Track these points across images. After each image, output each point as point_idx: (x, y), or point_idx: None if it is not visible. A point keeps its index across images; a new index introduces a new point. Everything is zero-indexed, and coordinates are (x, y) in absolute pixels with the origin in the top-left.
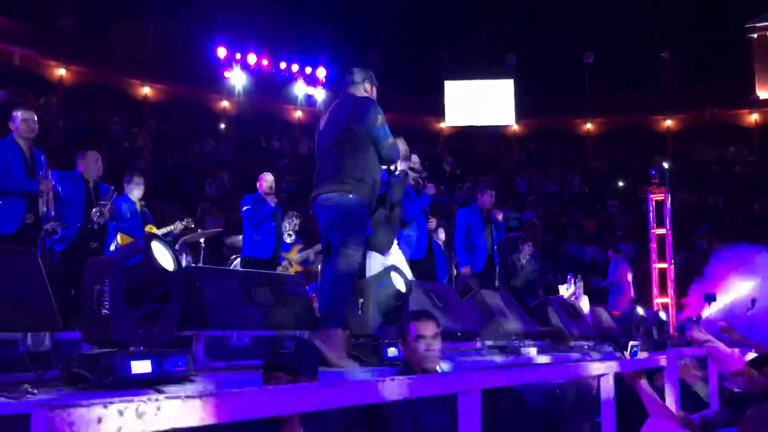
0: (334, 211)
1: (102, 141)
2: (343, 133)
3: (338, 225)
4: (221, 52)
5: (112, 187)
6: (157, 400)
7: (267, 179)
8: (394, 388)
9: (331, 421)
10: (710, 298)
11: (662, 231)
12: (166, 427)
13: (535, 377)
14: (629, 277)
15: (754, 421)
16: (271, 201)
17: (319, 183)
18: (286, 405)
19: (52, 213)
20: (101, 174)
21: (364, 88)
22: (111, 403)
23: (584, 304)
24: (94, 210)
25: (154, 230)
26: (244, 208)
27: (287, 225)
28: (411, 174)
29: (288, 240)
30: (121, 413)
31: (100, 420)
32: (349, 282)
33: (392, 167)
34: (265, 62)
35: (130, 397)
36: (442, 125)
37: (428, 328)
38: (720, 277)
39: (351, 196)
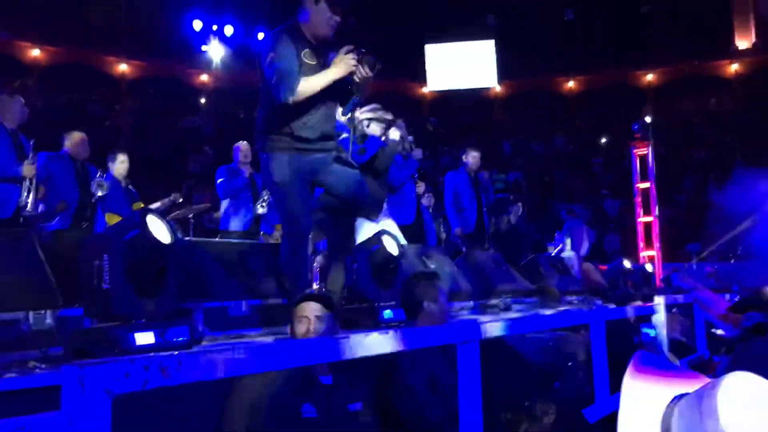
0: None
1: (81, 121)
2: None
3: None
4: (197, 24)
5: (100, 170)
6: (178, 355)
7: (242, 148)
8: (400, 339)
9: (353, 372)
10: (695, 248)
11: (646, 185)
12: (188, 381)
13: (530, 327)
14: (585, 238)
15: (743, 359)
16: (246, 171)
17: None
18: (301, 357)
19: (30, 199)
20: (88, 155)
21: (305, 9)
22: (137, 359)
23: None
24: (93, 183)
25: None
26: (219, 180)
27: (265, 195)
28: (399, 142)
29: (260, 210)
30: (146, 368)
31: (127, 375)
32: (293, 260)
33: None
34: (242, 34)
35: (154, 353)
36: (425, 90)
37: None
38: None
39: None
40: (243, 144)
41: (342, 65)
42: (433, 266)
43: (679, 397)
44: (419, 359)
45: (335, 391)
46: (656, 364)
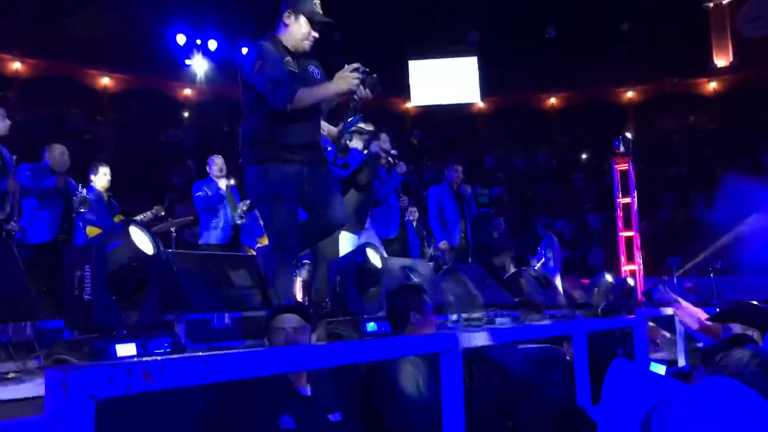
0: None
1: (62, 134)
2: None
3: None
4: (180, 39)
5: (80, 184)
6: (162, 360)
7: (216, 162)
8: (383, 348)
9: (332, 383)
10: (675, 262)
11: (627, 200)
12: (172, 386)
13: (513, 336)
14: (557, 253)
15: (723, 368)
16: (223, 184)
17: None
18: (284, 364)
19: (17, 214)
20: (68, 167)
21: (284, 23)
22: (120, 363)
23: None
24: (75, 198)
25: None
26: (196, 194)
27: (242, 206)
28: (383, 156)
29: (239, 221)
30: (130, 373)
31: (111, 380)
32: (279, 274)
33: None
34: (226, 48)
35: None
36: (408, 105)
37: None
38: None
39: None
40: (217, 158)
41: (344, 81)
42: (416, 280)
43: (658, 405)
44: (403, 370)
45: (315, 402)
46: (635, 372)
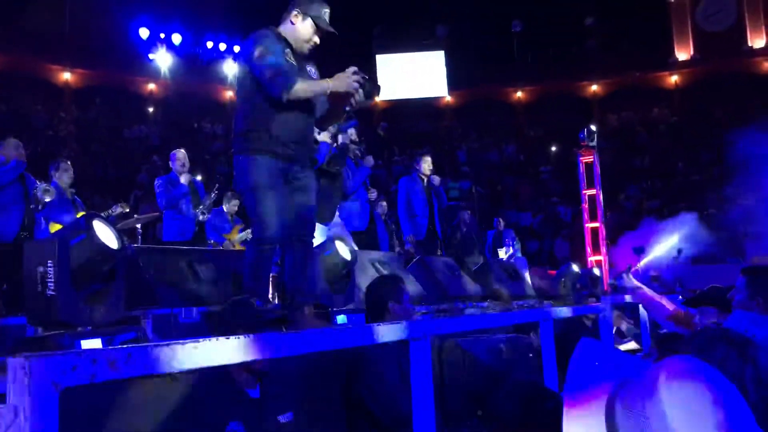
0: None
1: (24, 131)
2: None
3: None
4: (144, 32)
5: (38, 180)
6: (127, 348)
7: (179, 156)
8: (352, 336)
9: (281, 381)
10: (639, 250)
11: (592, 191)
12: (136, 374)
13: (481, 324)
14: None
15: (692, 346)
16: (185, 179)
17: None
18: (252, 352)
19: None
20: (25, 162)
21: (290, 21)
22: (84, 351)
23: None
24: (38, 189)
25: None
26: (158, 190)
27: (206, 201)
28: (351, 147)
29: (201, 218)
30: (94, 361)
31: (74, 368)
32: (257, 267)
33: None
34: (190, 42)
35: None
36: (377, 99)
37: None
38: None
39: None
40: (179, 152)
41: (343, 82)
42: (386, 272)
43: (622, 382)
44: (393, 357)
45: (264, 404)
46: (600, 351)
